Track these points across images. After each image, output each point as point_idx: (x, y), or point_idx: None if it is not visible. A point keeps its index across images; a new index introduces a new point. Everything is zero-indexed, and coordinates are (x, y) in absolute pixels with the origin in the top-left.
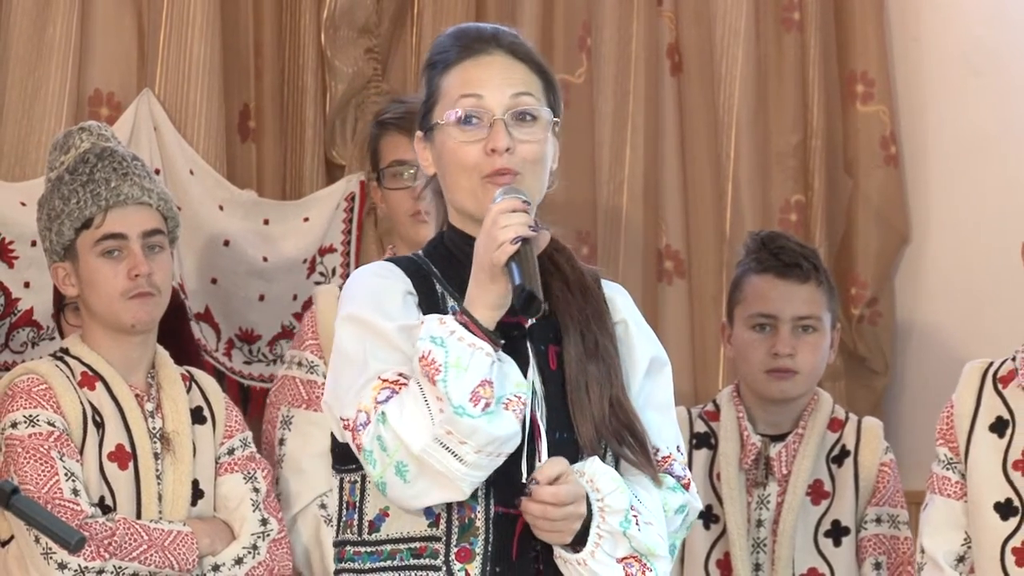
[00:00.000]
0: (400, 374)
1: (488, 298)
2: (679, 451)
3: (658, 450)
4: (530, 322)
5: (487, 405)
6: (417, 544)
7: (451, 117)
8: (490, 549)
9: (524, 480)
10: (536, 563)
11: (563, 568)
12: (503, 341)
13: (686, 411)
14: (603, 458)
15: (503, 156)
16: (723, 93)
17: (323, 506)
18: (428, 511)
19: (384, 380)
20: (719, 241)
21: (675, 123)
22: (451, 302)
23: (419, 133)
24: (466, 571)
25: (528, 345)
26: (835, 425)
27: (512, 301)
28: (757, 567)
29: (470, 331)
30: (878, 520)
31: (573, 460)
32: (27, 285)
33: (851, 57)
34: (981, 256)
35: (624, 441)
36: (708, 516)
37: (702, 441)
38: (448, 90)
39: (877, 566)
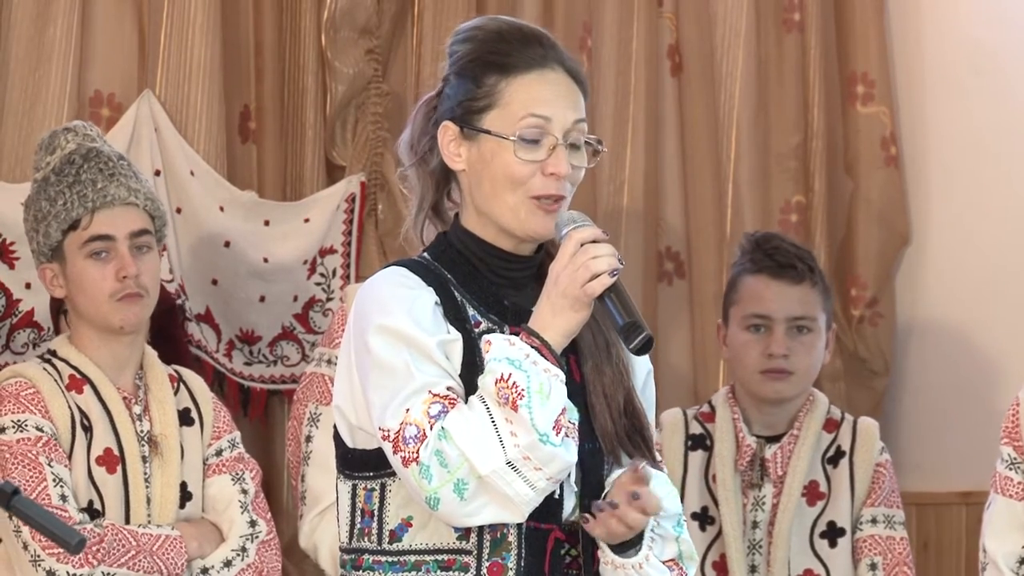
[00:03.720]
0: (449, 388)
1: (567, 325)
2: None
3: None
4: None
5: (567, 434)
6: (445, 556)
7: (517, 134)
8: (523, 565)
9: (557, 496)
10: (572, 568)
11: (611, 573)
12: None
13: (681, 412)
14: (617, 459)
15: (560, 181)
16: (723, 94)
17: None
18: None
19: (435, 394)
20: (719, 242)
21: (675, 124)
22: (471, 311)
23: (451, 126)
24: None
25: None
26: (830, 426)
27: (622, 337)
28: (753, 568)
29: (543, 356)
30: (874, 521)
31: (599, 469)
32: (28, 286)
33: (851, 58)
34: (982, 257)
35: (635, 444)
36: (704, 518)
37: (697, 443)
38: (512, 101)
39: (873, 567)
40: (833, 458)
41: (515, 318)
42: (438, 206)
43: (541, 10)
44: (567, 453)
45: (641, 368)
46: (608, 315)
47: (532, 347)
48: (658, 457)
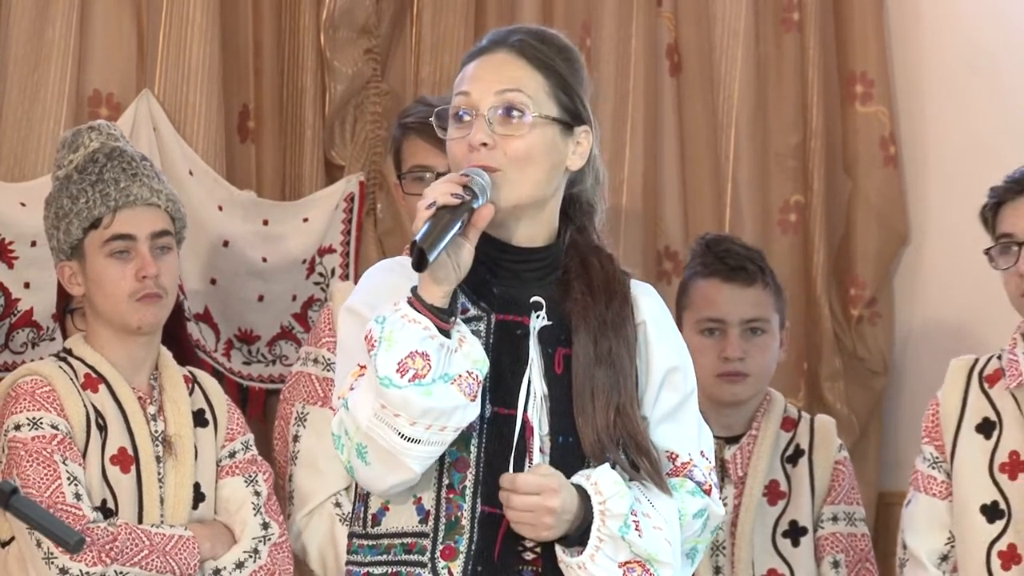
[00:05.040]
0: None
1: (432, 273)
2: (703, 456)
3: (677, 455)
4: (536, 322)
5: (416, 376)
6: (408, 540)
7: (446, 114)
8: (473, 548)
9: None
10: (534, 565)
11: (565, 571)
12: (454, 318)
13: None
14: (600, 461)
15: (480, 151)
16: (722, 94)
17: (338, 504)
18: (420, 506)
19: (362, 367)
20: None
21: (674, 124)
22: (462, 298)
23: None
24: (449, 569)
25: (532, 345)
26: (788, 424)
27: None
28: (717, 570)
29: (414, 308)
30: (835, 518)
31: (577, 465)
32: (27, 285)
33: (850, 58)
34: (980, 256)
35: (627, 451)
36: None
37: None
38: (454, 90)
39: (835, 564)
40: (792, 457)
41: (502, 306)
42: None
43: (540, 10)
44: (426, 397)
45: (658, 368)
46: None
47: (407, 302)
48: (682, 457)
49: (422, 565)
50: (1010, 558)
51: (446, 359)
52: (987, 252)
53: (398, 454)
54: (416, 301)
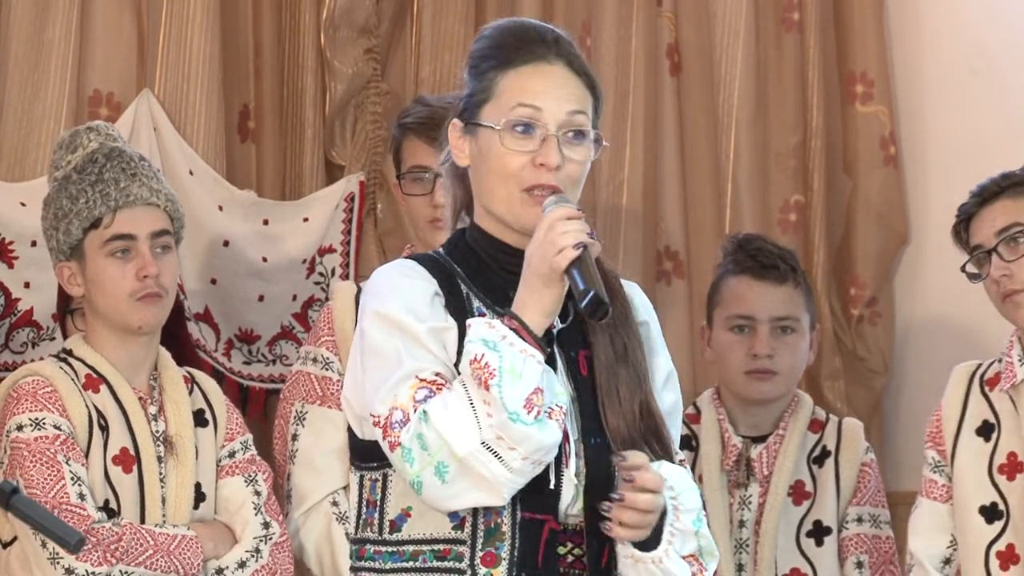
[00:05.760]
0: (437, 374)
1: (542, 304)
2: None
3: (677, 454)
4: (557, 327)
5: (539, 413)
6: (441, 546)
7: (505, 123)
8: (516, 554)
9: (552, 486)
10: (578, 568)
11: (631, 568)
12: (549, 349)
13: None
14: None
15: (552, 171)
16: (723, 93)
17: (335, 503)
18: (453, 513)
19: (422, 380)
20: (718, 241)
21: (674, 123)
22: (476, 303)
23: (458, 122)
24: (492, 575)
25: (556, 351)
26: (815, 426)
27: (577, 306)
28: (740, 567)
29: (521, 337)
30: (859, 520)
31: (605, 465)
32: (27, 285)
33: (851, 57)
34: None
35: (651, 446)
36: None
37: (683, 443)
38: (504, 93)
39: (859, 565)
40: (818, 458)
41: None
42: (470, 205)
43: (540, 9)
44: (542, 433)
45: (660, 371)
46: (572, 285)
47: (511, 328)
48: (680, 457)
49: (460, 572)
50: (1008, 558)
51: (549, 393)
52: (963, 269)
53: (499, 485)
54: (523, 330)
